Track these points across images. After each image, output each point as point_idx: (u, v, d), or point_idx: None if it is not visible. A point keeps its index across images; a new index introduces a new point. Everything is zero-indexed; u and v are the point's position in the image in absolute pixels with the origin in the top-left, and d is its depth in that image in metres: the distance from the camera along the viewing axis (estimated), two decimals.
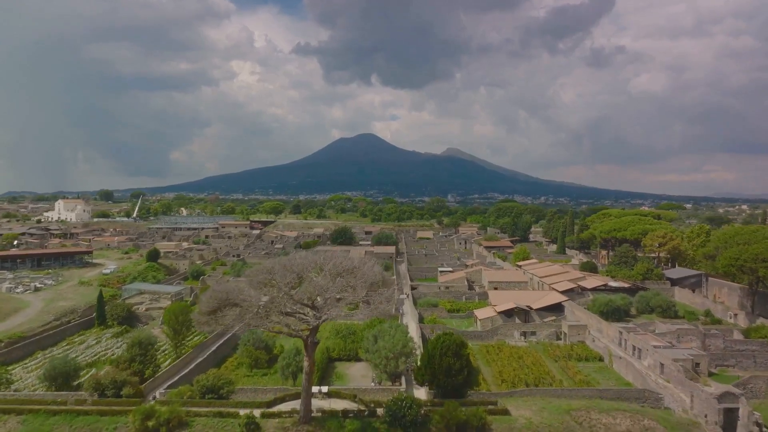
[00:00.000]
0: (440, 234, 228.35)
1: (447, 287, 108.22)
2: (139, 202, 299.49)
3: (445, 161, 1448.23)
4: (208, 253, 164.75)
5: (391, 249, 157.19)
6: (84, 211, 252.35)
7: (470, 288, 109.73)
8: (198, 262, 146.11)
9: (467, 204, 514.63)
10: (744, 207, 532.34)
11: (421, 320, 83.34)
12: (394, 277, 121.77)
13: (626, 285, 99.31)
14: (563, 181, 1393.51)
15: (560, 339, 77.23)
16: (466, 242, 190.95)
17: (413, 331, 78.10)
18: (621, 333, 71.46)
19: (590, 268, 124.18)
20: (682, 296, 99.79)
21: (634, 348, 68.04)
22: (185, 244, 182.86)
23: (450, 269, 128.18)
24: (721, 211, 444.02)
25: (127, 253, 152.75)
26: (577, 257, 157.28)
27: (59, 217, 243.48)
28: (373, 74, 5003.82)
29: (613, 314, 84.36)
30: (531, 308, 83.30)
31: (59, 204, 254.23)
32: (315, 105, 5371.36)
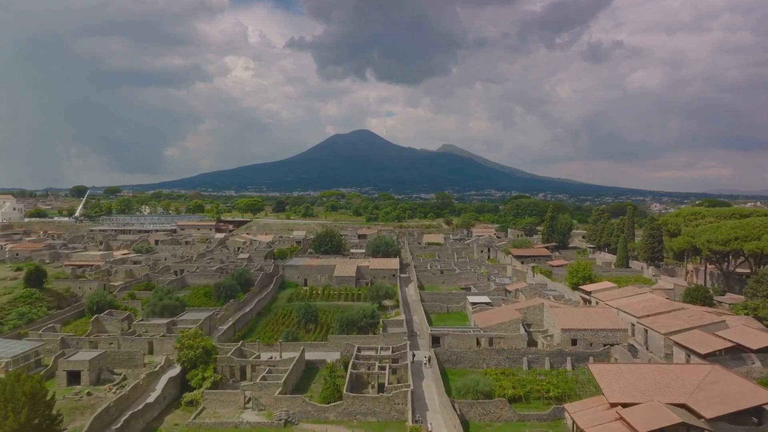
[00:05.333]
0: (451, 237, 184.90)
1: (491, 340, 64.41)
2: (85, 198, 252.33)
3: (441, 157, 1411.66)
4: (143, 267, 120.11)
5: (395, 263, 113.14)
6: (14, 209, 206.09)
7: (531, 339, 65.96)
8: (116, 283, 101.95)
9: (465, 201, 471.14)
10: (759, 204, 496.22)
11: None
12: (402, 314, 77.91)
13: None
14: (560, 178, 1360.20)
15: None
16: (489, 249, 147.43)
17: None
18: None
19: (702, 297, 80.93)
20: None
21: None
22: (119, 254, 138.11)
23: (486, 299, 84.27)
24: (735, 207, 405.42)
25: (19, 269, 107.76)
26: (649, 273, 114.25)
27: None
28: (368, 69, 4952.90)
29: None
30: (703, 419, 39.51)
31: None
32: (309, 101, 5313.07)
